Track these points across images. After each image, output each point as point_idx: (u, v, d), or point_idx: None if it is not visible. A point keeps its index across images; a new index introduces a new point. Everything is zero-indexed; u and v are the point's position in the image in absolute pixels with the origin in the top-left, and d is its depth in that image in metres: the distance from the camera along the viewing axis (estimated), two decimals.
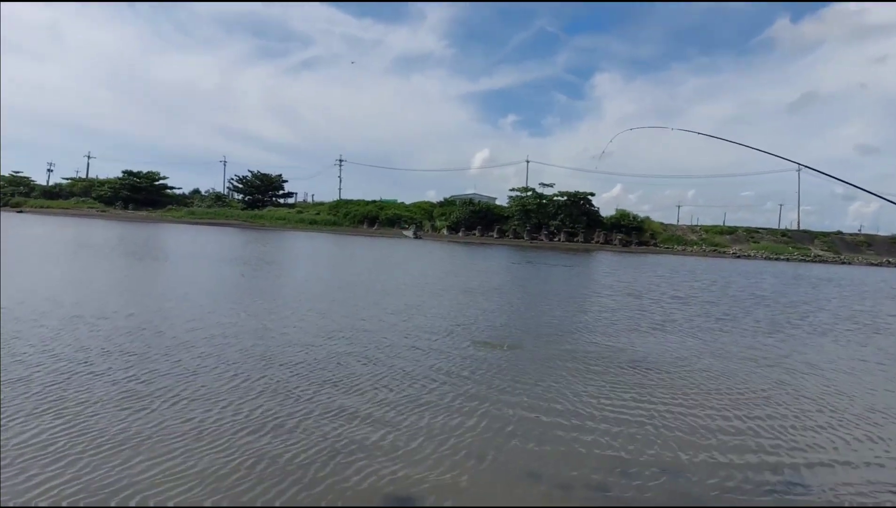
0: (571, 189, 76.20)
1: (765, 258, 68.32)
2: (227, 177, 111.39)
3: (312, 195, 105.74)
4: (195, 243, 38.83)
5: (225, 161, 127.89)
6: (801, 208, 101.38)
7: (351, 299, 16.87)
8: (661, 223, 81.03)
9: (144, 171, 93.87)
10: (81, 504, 3.38)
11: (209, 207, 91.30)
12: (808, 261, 68.26)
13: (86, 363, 8.33)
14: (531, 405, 7.88)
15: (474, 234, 75.17)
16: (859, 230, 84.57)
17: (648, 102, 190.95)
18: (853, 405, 8.92)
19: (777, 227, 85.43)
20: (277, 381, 8.14)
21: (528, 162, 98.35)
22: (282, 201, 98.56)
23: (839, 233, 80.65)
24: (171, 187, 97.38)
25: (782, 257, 69.92)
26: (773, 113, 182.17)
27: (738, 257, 68.58)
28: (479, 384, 8.77)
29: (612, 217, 75.87)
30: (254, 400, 7.29)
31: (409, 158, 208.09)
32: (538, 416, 7.45)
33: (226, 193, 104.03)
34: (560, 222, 73.50)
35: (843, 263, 68.46)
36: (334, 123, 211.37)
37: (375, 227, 79.12)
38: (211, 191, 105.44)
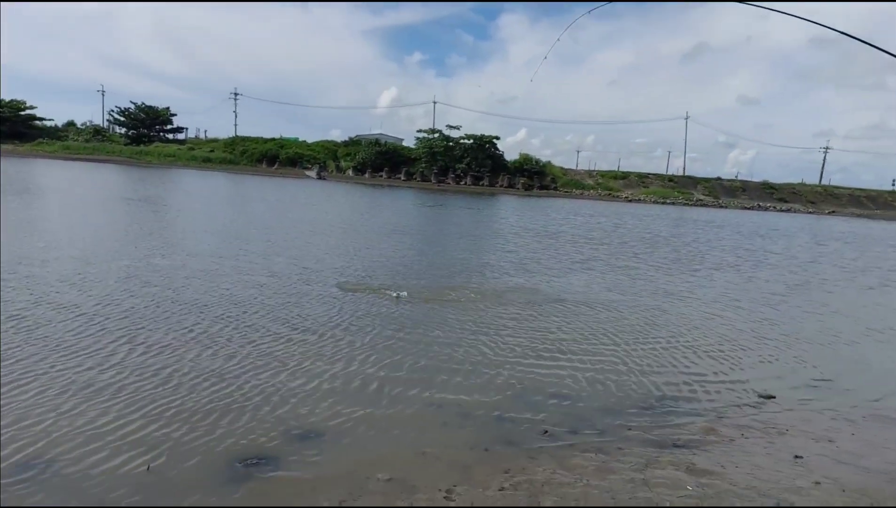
0: (478, 133, 76.53)
1: (654, 202, 72.72)
2: (108, 109, 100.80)
3: (205, 131, 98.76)
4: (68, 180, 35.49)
5: (103, 90, 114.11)
6: (686, 156, 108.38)
7: (258, 243, 16.29)
8: (562, 168, 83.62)
9: (6, 99, 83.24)
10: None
11: (87, 141, 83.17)
12: (691, 205, 73.44)
13: None
14: (433, 340, 8.11)
15: (381, 176, 74.03)
16: (736, 176, 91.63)
17: (554, 46, 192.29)
18: (730, 330, 9.91)
19: (665, 172, 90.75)
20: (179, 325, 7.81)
21: (434, 103, 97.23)
22: (171, 136, 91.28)
23: (719, 179, 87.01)
24: (41, 119, 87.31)
25: (669, 200, 74.73)
26: (669, 63, 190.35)
27: (630, 201, 72.55)
28: (385, 325, 8.88)
29: (515, 161, 77.20)
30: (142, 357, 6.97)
31: (312, 94, 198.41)
32: (441, 350, 7.68)
33: (106, 126, 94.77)
34: (466, 166, 73.88)
35: (721, 207, 74.35)
36: (229, 54, 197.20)
37: (276, 166, 75.63)
38: (88, 124, 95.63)
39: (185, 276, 10.98)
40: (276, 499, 4.09)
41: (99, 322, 7.82)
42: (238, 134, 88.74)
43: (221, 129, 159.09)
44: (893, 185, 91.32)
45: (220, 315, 8.58)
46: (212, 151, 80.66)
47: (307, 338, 7.82)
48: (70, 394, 5.57)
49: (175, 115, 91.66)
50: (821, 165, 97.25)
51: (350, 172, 75.08)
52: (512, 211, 39.61)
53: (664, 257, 19.90)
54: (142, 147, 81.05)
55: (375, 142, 77.86)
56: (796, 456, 5.33)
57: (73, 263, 11.33)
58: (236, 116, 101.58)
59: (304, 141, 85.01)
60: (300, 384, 6.22)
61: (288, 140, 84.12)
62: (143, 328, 7.73)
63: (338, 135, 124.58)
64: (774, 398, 6.98)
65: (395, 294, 10.50)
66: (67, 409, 5.26)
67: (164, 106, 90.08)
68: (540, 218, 33.95)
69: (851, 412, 6.69)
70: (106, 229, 16.67)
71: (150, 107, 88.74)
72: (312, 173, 71.12)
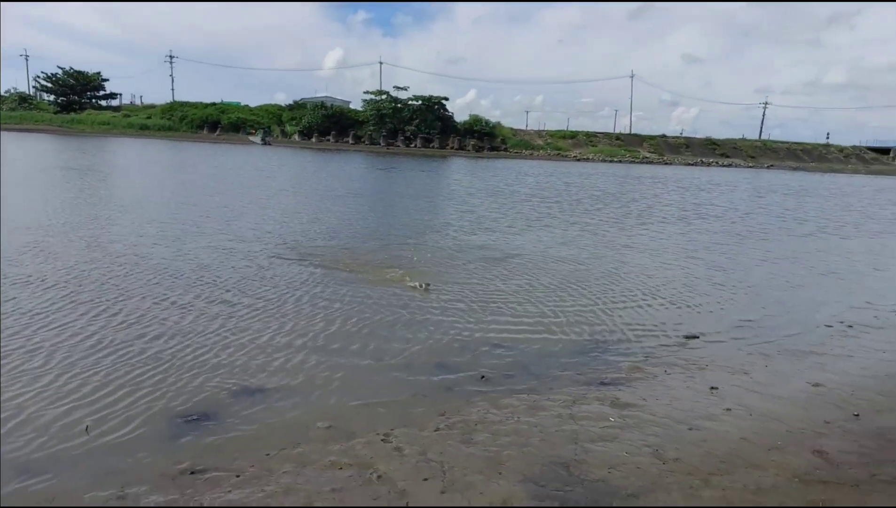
0: (426, 94, 75.66)
1: (602, 161, 74.00)
2: (33, 75, 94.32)
3: (141, 97, 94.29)
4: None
5: (27, 55, 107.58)
6: (633, 114, 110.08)
7: (213, 210, 15.91)
8: (512, 129, 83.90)
9: None
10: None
11: (12, 110, 78.21)
12: (638, 162, 75.14)
13: None
14: (383, 298, 8.26)
15: (328, 140, 72.55)
16: (681, 134, 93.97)
17: (500, 4, 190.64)
18: (668, 278, 10.40)
19: (612, 131, 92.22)
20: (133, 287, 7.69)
21: (381, 64, 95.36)
22: (104, 103, 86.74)
23: (664, 136, 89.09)
24: None
25: (616, 159, 76.20)
26: (615, 21, 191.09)
27: (579, 160, 73.59)
28: (337, 286, 8.96)
29: (465, 123, 76.90)
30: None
31: (253, 57, 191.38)
32: (389, 308, 7.84)
33: (32, 94, 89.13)
34: (416, 128, 73.15)
35: (666, 163, 76.35)
36: (162, 14, 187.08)
37: (217, 132, 73.03)
38: (13, 91, 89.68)
39: (133, 243, 10.74)
40: (216, 452, 4.20)
41: (61, 290, 7.62)
42: (176, 99, 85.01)
43: (158, 94, 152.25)
44: (827, 138, 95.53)
45: (165, 282, 8.48)
46: (149, 117, 77.23)
47: (255, 302, 7.83)
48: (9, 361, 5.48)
49: (107, 80, 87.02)
50: (760, 121, 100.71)
51: (296, 136, 73.33)
52: (464, 172, 39.69)
53: (614, 212, 20.50)
54: (73, 115, 76.83)
55: (321, 105, 75.98)
56: (712, 388, 5.76)
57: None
58: (173, 81, 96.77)
59: (247, 106, 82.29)
60: (244, 343, 6.28)
61: (230, 105, 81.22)
62: (93, 292, 7.59)
63: (282, 99, 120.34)
64: (698, 337, 7.45)
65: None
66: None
67: (95, 71, 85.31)
68: (492, 179, 34.18)
69: (767, 347, 7.21)
70: (55, 199, 15.97)
71: (79, 72, 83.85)
72: (257, 139, 69.10)
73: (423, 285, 8.79)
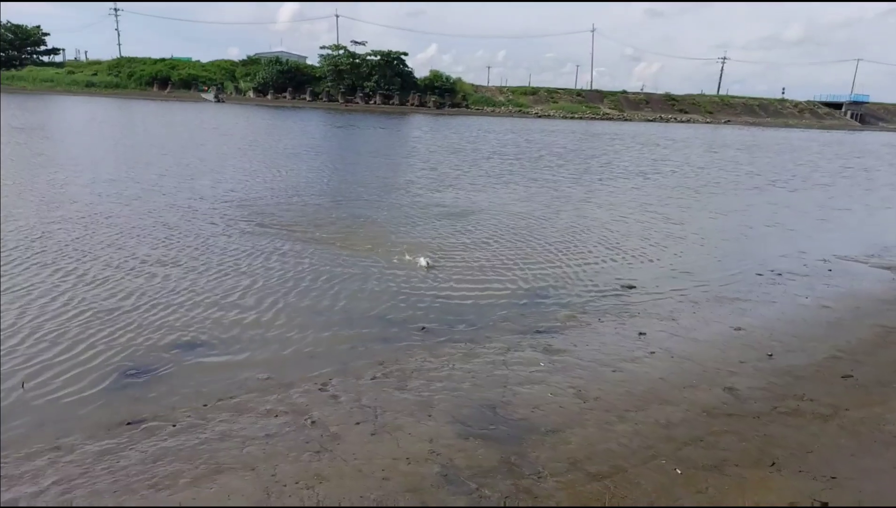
0: (385, 49, 73.91)
1: (563, 117, 74.13)
2: None
3: (86, 53, 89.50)
4: None
5: None
6: (594, 70, 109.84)
7: (170, 168, 15.51)
8: (473, 85, 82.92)
9: None
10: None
11: None
12: (598, 119, 75.55)
13: None
14: (333, 257, 8.33)
15: (284, 97, 70.54)
16: (641, 89, 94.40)
17: None
18: (619, 231, 10.72)
19: (574, 87, 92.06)
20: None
21: (337, 17, 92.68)
22: (46, 59, 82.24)
23: (624, 92, 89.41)
24: None
25: (577, 115, 76.40)
26: None
27: (540, 116, 73.55)
28: (288, 243, 8.97)
29: (426, 79, 75.59)
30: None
31: (204, 9, 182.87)
32: (337, 266, 7.93)
33: None
34: (375, 84, 71.60)
35: (626, 119, 76.98)
36: None
37: (168, 90, 70.11)
38: None
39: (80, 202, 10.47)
40: (155, 404, 4.29)
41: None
42: (123, 55, 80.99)
43: (103, 50, 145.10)
44: (783, 93, 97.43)
45: (123, 241, 8.37)
46: (95, 74, 73.64)
47: (205, 262, 7.81)
48: None
49: (48, 34, 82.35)
50: (719, 77, 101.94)
51: (250, 93, 71.09)
52: (425, 130, 39.34)
53: (573, 168, 20.77)
54: (13, 72, 72.72)
55: (276, 60, 73.50)
56: (640, 333, 6.08)
57: None
58: (119, 35, 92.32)
59: (199, 61, 79.08)
60: (191, 300, 6.31)
61: (180, 60, 77.87)
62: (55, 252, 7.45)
63: (235, 54, 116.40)
64: (636, 287, 7.78)
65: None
66: None
67: (35, 25, 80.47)
68: (454, 136, 34.01)
69: (699, 295, 7.59)
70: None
71: (17, 26, 78.98)
72: (210, 96, 66.77)
73: (426, 263, 8.01)
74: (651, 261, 9.15)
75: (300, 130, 33.01)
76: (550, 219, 11.73)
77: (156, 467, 3.52)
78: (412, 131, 37.80)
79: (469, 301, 6.87)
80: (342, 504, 3.20)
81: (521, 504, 3.20)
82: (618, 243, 10.06)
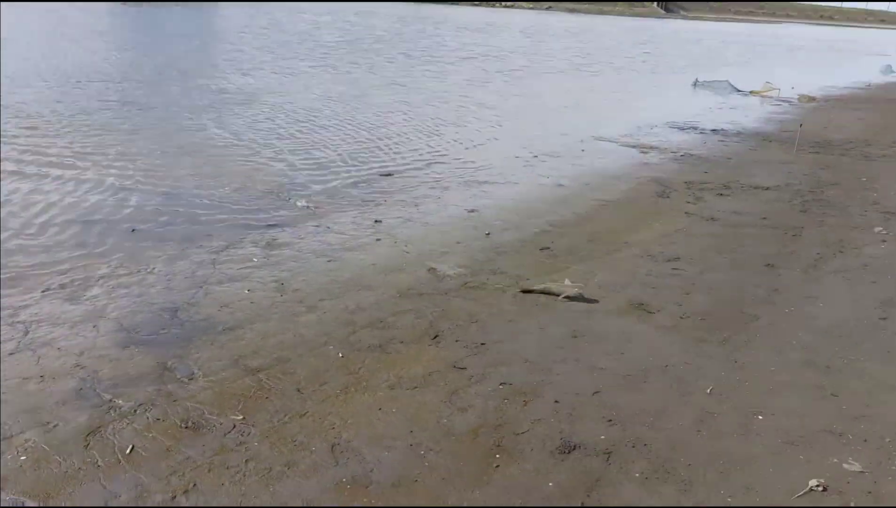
0: None
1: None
2: None
3: None
4: None
5: None
6: None
7: None
8: None
9: None
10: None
11: None
12: (415, 1, 73.27)
13: None
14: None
15: None
16: None
17: None
18: (408, 119, 10.52)
19: None
20: None
21: None
22: None
23: None
24: None
25: None
26: None
27: None
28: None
29: None
30: None
31: None
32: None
33: None
34: None
35: (454, 2, 75.50)
36: None
37: None
38: None
39: None
40: None
41: None
42: None
43: None
44: None
45: None
46: None
47: None
48: None
49: None
50: None
51: None
52: (234, 10, 35.40)
53: (397, 54, 20.00)
54: None
55: None
56: (376, 221, 6.07)
57: None
58: None
59: None
60: None
61: None
62: None
63: None
64: (392, 175, 7.76)
65: None
66: None
67: None
68: (264, 17, 31.01)
69: (452, 180, 7.76)
70: None
71: None
72: None
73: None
74: (416, 149, 9.17)
75: (84, 17, 28.06)
76: (333, 106, 11.26)
77: None
78: (220, 10, 33.88)
79: (201, 198, 6.39)
80: None
81: (155, 409, 3.06)
82: (388, 132, 9.95)
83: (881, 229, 6.41)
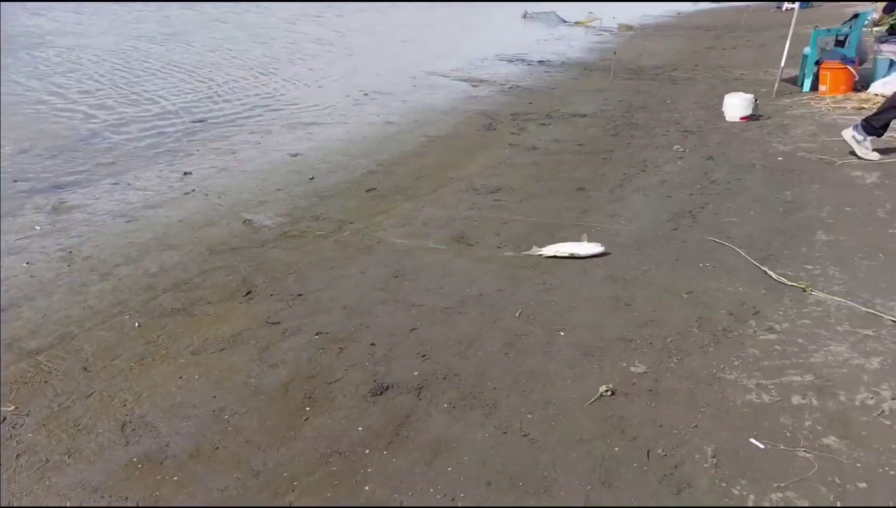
0: None
1: None
2: None
3: None
4: None
5: None
6: None
7: None
8: None
9: None
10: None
11: None
12: None
13: None
14: None
15: None
16: None
17: None
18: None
19: None
20: None
21: None
22: None
23: None
24: None
25: None
26: None
27: None
28: None
29: None
30: None
31: None
32: None
33: None
34: None
35: None
36: None
37: None
38: None
39: None
40: None
41: None
42: None
43: None
44: None
45: None
46: None
47: None
48: None
49: None
50: None
51: None
52: None
53: None
54: None
55: None
56: (185, 173, 5.56)
57: None
58: None
59: None
60: None
61: None
62: None
63: None
64: (205, 121, 7.15)
65: None
66: None
67: None
68: None
69: (275, 124, 7.32)
70: None
71: None
72: None
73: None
74: (235, 91, 8.50)
75: None
76: (142, 47, 10.02)
77: None
78: None
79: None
80: None
81: None
82: (202, 74, 9.11)
83: (679, 147, 7.04)
